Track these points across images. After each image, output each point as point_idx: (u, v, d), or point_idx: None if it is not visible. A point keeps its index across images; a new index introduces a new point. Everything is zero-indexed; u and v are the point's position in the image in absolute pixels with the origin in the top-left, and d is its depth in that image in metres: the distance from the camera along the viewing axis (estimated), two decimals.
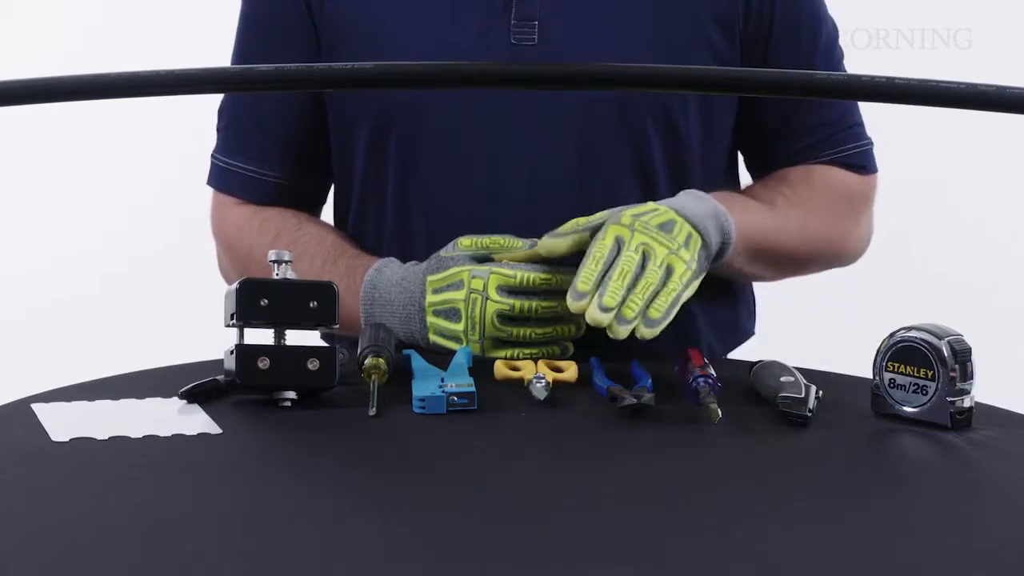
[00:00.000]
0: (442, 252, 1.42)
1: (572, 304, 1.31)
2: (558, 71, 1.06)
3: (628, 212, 1.36)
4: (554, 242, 1.39)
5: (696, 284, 1.36)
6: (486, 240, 1.41)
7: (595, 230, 1.37)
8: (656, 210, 1.37)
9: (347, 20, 1.52)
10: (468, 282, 1.38)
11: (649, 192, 1.51)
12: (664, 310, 1.31)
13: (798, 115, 1.58)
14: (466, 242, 1.42)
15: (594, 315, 1.29)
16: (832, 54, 1.58)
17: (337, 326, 1.28)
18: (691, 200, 1.41)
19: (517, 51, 1.49)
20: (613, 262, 1.32)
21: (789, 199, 1.54)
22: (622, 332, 1.30)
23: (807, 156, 1.58)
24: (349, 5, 1.52)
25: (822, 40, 1.57)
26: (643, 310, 1.30)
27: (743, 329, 1.66)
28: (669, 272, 1.33)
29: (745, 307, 1.66)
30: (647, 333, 1.30)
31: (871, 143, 1.61)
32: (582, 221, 1.39)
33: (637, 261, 1.32)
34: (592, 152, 1.51)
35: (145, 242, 3.09)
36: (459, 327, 1.38)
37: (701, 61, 1.51)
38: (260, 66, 0.96)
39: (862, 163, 1.60)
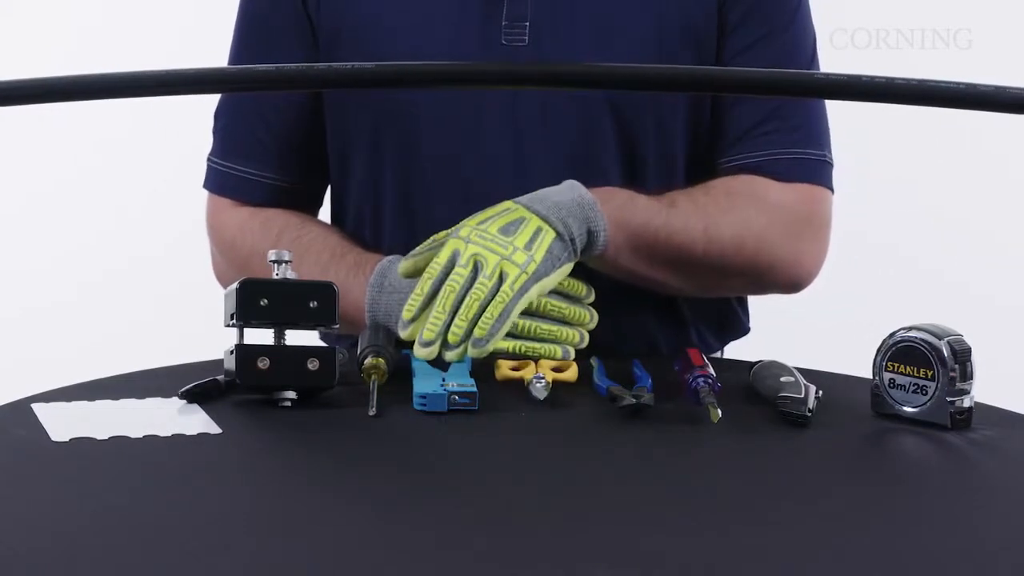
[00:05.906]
0: None
1: (401, 333, 1.31)
2: (555, 71, 1.06)
3: (474, 219, 1.35)
4: (403, 265, 1.38)
5: (549, 281, 1.33)
6: None
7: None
8: (507, 210, 1.36)
9: (341, 18, 1.53)
10: None
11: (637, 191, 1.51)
12: (490, 327, 1.29)
13: (730, 111, 1.53)
14: None
15: (417, 351, 1.29)
16: (804, 41, 1.54)
17: (337, 326, 1.28)
18: (559, 190, 1.39)
19: (508, 52, 1.49)
20: (442, 283, 1.31)
21: (696, 201, 1.48)
22: (452, 357, 1.29)
23: (731, 153, 1.53)
24: (343, 3, 1.52)
25: (795, 29, 1.53)
26: (470, 330, 1.29)
27: (736, 319, 1.65)
28: (502, 280, 1.31)
29: (736, 297, 1.65)
30: (475, 353, 1.29)
31: (814, 154, 1.52)
32: (440, 236, 1.38)
33: (467, 276, 1.30)
34: (583, 149, 1.51)
35: (145, 242, 3.09)
36: None
37: (688, 56, 1.51)
38: (260, 66, 0.96)
39: (789, 171, 1.51)
